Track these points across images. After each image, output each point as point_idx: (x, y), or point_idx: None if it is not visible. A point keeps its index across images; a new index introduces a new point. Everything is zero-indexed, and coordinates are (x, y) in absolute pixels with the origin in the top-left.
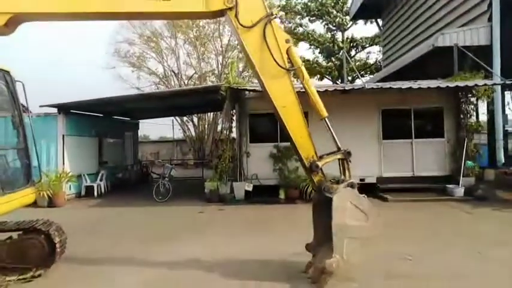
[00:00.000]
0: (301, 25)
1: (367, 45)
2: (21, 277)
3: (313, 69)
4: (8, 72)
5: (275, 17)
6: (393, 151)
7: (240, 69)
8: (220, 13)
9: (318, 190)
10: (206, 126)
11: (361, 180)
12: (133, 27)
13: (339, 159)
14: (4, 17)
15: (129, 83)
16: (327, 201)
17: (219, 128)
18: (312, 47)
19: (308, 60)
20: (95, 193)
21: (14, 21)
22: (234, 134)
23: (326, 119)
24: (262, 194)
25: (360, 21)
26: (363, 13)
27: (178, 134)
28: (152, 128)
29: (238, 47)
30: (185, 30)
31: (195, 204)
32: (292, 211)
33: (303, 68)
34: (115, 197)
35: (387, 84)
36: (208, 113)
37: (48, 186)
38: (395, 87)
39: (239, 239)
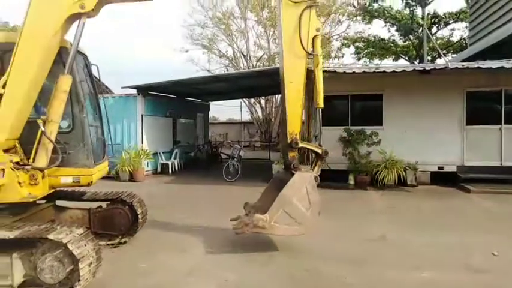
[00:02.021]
0: (376, 1)
1: (451, 21)
2: (109, 243)
3: (388, 48)
4: (85, 55)
5: (316, 5)
6: (478, 138)
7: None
8: None
9: (287, 166)
10: (273, 108)
11: (439, 168)
12: (205, 11)
13: (315, 152)
14: (93, 1)
15: (200, 66)
16: (288, 179)
17: None
18: (388, 24)
19: (383, 39)
20: (170, 170)
21: (98, 5)
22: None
23: (320, 109)
24: (331, 179)
25: None
26: None
27: (246, 116)
28: (221, 110)
29: None
30: (257, 9)
31: (263, 185)
32: (362, 197)
33: (321, 58)
34: (188, 174)
35: (474, 64)
36: (276, 95)
37: (129, 163)
38: (484, 66)
39: None
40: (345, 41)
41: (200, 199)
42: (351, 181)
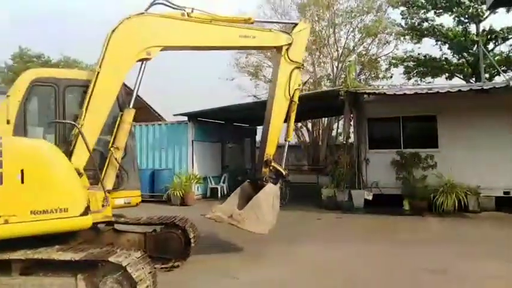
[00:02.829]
0: (426, 20)
1: (511, 36)
2: (163, 266)
3: (441, 67)
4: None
5: (302, 67)
6: None
7: (357, 72)
8: (280, 47)
9: (260, 178)
10: (320, 131)
11: (505, 193)
12: None
13: (280, 172)
14: (158, 49)
15: (247, 92)
16: (258, 188)
17: (334, 133)
18: (439, 42)
19: (434, 58)
20: (219, 194)
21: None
22: (351, 140)
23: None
24: (384, 204)
25: (501, 10)
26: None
27: (292, 140)
28: None
29: (355, 50)
30: None
31: (312, 210)
32: (418, 223)
33: (295, 106)
34: None
35: None
36: (323, 118)
37: (181, 187)
38: None
39: (359, 248)
40: (393, 61)
41: None
42: (406, 206)
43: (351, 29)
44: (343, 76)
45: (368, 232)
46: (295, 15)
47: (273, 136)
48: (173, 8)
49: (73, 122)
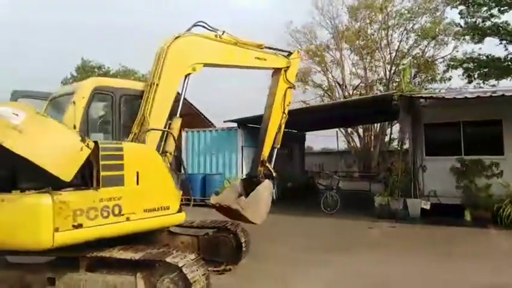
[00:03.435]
0: (488, 18)
1: None
2: (215, 269)
3: (506, 68)
4: None
5: (294, 88)
6: None
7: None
8: (280, 69)
9: (256, 175)
10: (372, 137)
11: None
12: (299, 44)
13: (271, 172)
14: (201, 65)
15: (294, 97)
16: (253, 184)
17: (387, 139)
18: (504, 42)
19: (498, 59)
20: None
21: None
22: (406, 146)
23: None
24: (442, 214)
25: None
26: None
27: (342, 146)
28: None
29: (410, 53)
30: (353, 39)
31: (364, 219)
32: (482, 236)
33: (285, 119)
34: (285, 205)
35: None
36: (375, 124)
37: None
38: None
39: (415, 260)
40: (452, 63)
41: (301, 231)
42: (468, 217)
43: (405, 31)
44: (397, 80)
45: (426, 244)
46: (345, 19)
47: (269, 141)
48: (209, 30)
49: (167, 129)
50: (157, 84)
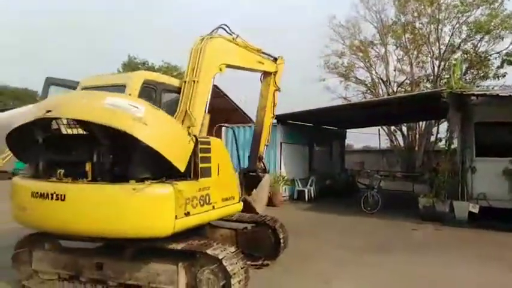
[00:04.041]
0: None
1: None
2: (253, 263)
3: None
4: None
5: (280, 90)
6: None
7: (463, 71)
8: (271, 73)
9: (255, 170)
10: (417, 136)
11: None
12: (342, 40)
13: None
14: (224, 66)
15: (336, 94)
16: (251, 178)
17: (433, 138)
18: None
19: None
20: (306, 197)
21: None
22: (453, 146)
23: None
24: (492, 218)
25: None
26: None
27: (384, 144)
28: (356, 138)
29: (461, 47)
30: (400, 33)
31: (406, 220)
32: None
33: (272, 119)
34: (324, 203)
35: None
36: (420, 122)
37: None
38: None
39: (463, 264)
40: (508, 58)
41: (341, 230)
42: None
43: (458, 24)
44: (445, 76)
45: (475, 248)
46: (392, 13)
47: (264, 137)
48: (228, 33)
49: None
50: (197, 82)
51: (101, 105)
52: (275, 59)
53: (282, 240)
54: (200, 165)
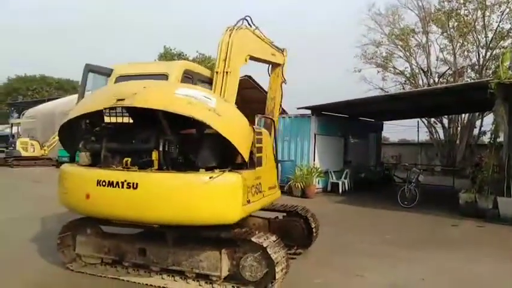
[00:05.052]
0: None
1: None
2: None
3: None
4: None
5: (286, 82)
6: None
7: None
8: (279, 64)
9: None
10: (459, 129)
11: None
12: (380, 28)
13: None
14: (247, 56)
15: (373, 84)
16: None
17: (476, 131)
18: None
19: None
20: (340, 190)
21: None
22: (499, 139)
23: None
24: None
25: None
26: None
27: (423, 137)
28: (392, 130)
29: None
30: (443, 22)
31: (446, 216)
32: None
33: (280, 110)
34: (358, 196)
35: None
36: (463, 115)
37: (302, 179)
38: None
39: (507, 262)
40: None
41: (376, 223)
42: None
43: (507, 9)
44: (492, 66)
45: None
46: (435, 1)
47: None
48: (249, 24)
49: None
50: (229, 72)
51: (176, 95)
52: (282, 51)
53: (314, 230)
54: (257, 155)
